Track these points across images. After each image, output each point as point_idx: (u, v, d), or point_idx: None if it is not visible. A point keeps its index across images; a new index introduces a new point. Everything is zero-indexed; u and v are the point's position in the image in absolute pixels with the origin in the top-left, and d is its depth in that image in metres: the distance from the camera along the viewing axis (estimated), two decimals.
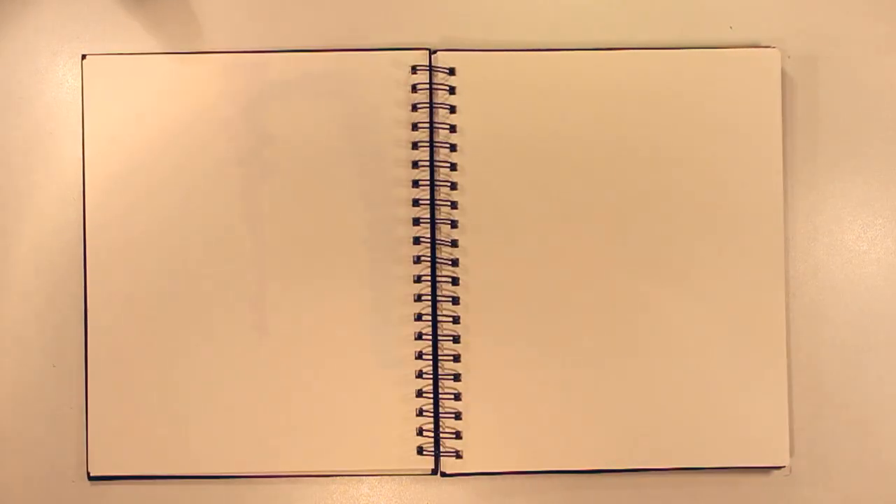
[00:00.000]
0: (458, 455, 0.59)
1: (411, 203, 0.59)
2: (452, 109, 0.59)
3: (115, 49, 0.60)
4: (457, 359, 0.59)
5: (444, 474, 0.59)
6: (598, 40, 0.60)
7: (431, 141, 0.59)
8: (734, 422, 0.59)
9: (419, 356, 0.59)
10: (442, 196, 0.59)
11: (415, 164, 0.59)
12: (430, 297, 0.59)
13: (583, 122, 0.59)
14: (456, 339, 0.59)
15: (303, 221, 0.59)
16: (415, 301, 0.59)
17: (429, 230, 0.59)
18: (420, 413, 0.59)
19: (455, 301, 0.59)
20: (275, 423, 0.59)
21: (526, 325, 0.59)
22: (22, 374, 0.59)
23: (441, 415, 0.59)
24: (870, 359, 0.60)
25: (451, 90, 0.59)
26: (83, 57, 0.60)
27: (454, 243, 0.59)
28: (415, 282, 0.59)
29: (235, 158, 0.59)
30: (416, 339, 0.59)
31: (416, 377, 0.59)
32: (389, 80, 0.59)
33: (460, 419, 0.59)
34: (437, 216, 0.59)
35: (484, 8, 0.61)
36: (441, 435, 0.59)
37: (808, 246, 0.61)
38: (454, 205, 0.59)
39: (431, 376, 0.59)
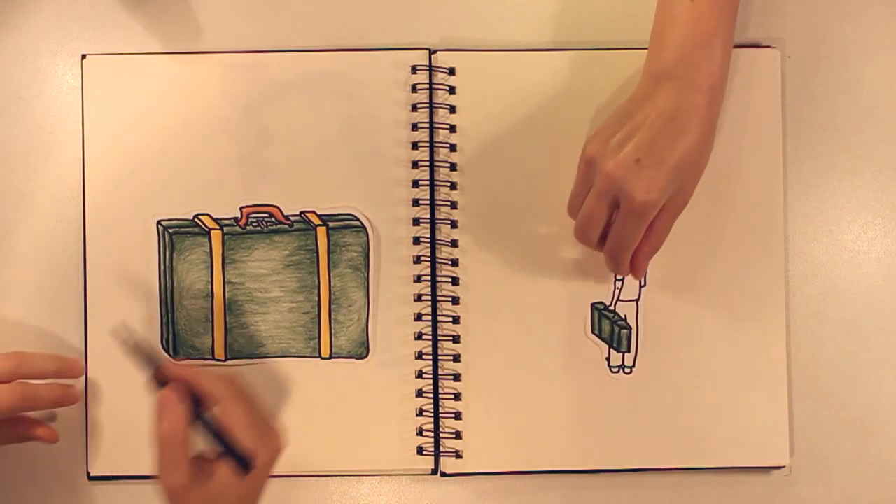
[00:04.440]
0: (458, 455, 0.59)
1: (411, 203, 0.59)
2: (452, 109, 0.59)
3: (115, 49, 0.60)
4: (457, 359, 0.59)
5: (444, 474, 0.59)
6: (599, 40, 0.60)
7: (431, 141, 0.59)
8: (734, 422, 0.59)
9: (419, 356, 0.59)
10: (442, 196, 0.59)
11: (415, 164, 0.59)
12: (430, 297, 0.59)
13: (583, 122, 0.59)
14: (456, 339, 0.59)
15: None
16: (415, 301, 0.59)
17: (429, 230, 0.59)
18: (420, 413, 0.59)
19: (455, 301, 0.59)
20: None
21: (525, 325, 0.59)
22: None
23: (441, 415, 0.59)
24: (870, 359, 0.60)
25: (451, 90, 0.59)
26: (83, 57, 0.60)
27: (454, 243, 0.59)
28: (415, 282, 0.59)
29: (235, 158, 0.59)
30: (416, 339, 0.59)
31: (416, 377, 0.59)
32: (389, 80, 0.59)
33: (460, 419, 0.59)
34: (437, 216, 0.59)
35: (484, 8, 0.61)
36: (441, 435, 0.59)
37: (808, 246, 0.61)
38: (454, 205, 0.59)
39: (431, 376, 0.59)
